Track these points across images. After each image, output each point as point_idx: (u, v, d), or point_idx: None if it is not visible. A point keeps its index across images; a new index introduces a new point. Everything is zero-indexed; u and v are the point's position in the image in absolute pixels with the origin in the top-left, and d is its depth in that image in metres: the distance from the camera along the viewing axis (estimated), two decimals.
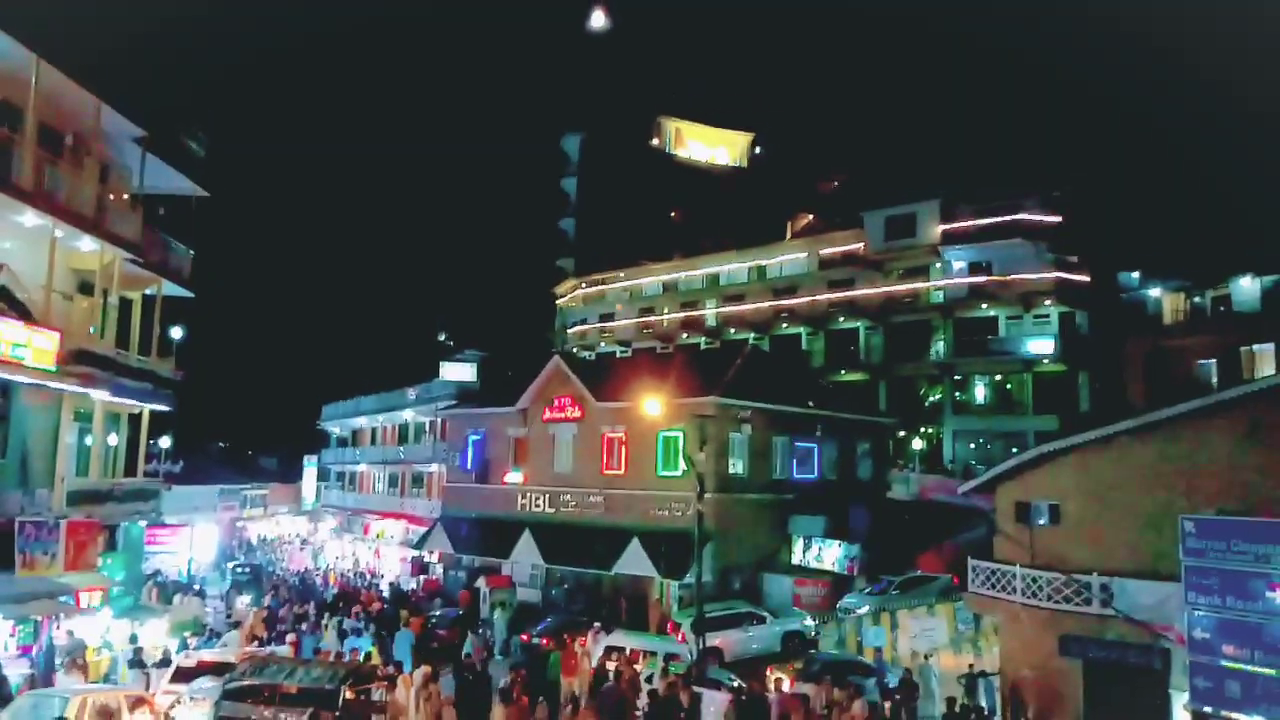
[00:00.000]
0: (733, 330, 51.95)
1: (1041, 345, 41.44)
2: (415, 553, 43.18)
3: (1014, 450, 31.08)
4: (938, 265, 45.82)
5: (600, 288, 61.63)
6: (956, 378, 44.76)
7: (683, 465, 29.57)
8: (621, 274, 59.85)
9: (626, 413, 31.18)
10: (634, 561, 29.38)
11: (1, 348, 19.86)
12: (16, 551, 20.69)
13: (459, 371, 49.07)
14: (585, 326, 61.40)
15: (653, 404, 25.15)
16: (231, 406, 70.91)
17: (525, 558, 33.99)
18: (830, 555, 29.85)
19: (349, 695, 14.57)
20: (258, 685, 14.13)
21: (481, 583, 34.09)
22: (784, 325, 50.38)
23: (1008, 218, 43.20)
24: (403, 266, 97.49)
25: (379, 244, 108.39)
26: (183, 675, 17.41)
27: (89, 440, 26.50)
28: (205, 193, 29.06)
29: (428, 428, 50.17)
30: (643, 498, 30.86)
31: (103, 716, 15.05)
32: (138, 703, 16.01)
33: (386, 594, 38.75)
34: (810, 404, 34.35)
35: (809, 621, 27.00)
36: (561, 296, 65.43)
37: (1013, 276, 42.47)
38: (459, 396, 43.84)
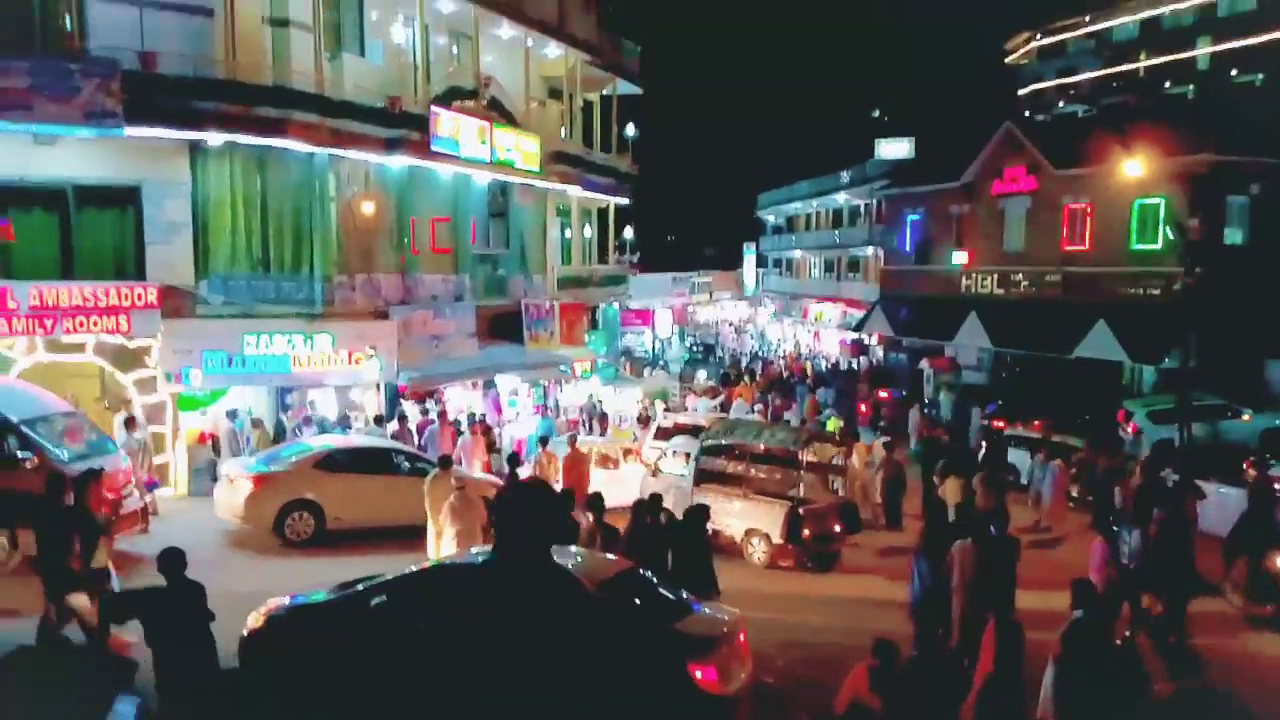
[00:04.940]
0: (1235, 72, 42.68)
1: None
2: (853, 335, 43.88)
3: None
4: None
5: (1059, 37, 53.86)
6: None
7: (1164, 236, 25.92)
8: (1086, 17, 51.58)
9: (1092, 180, 27.66)
10: (1099, 344, 26.82)
11: (497, 153, 22.84)
12: (524, 328, 24.62)
13: (895, 149, 46.84)
14: (1040, 85, 54.61)
15: (1130, 166, 21.88)
16: (677, 197, 75.41)
17: (971, 340, 32.77)
18: None
19: (810, 457, 15.44)
20: (729, 444, 15.51)
21: (924, 364, 33.82)
22: None
23: None
24: (835, 39, 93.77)
25: (808, 18, 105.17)
26: (662, 434, 19.73)
27: (568, 233, 30.06)
28: None
29: (862, 210, 49.36)
30: (1111, 274, 27.65)
31: (605, 461, 17.78)
32: (630, 453, 18.63)
33: (826, 373, 40.26)
34: None
35: None
36: (1010, 54, 58.53)
37: None
38: (894, 175, 42.13)
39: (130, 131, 15.75)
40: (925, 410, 28.85)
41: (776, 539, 14.24)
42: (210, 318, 17.49)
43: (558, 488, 15.62)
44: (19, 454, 12.12)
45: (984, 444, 21.94)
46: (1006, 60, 58.48)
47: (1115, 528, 11.38)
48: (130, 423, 15.99)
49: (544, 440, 17.73)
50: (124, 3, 16.37)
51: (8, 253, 16.60)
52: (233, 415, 17.62)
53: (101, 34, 16.31)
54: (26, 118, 15.24)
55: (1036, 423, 23.67)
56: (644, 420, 23.28)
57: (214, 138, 17.02)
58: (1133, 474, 15.69)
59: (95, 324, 16.36)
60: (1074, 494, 17.98)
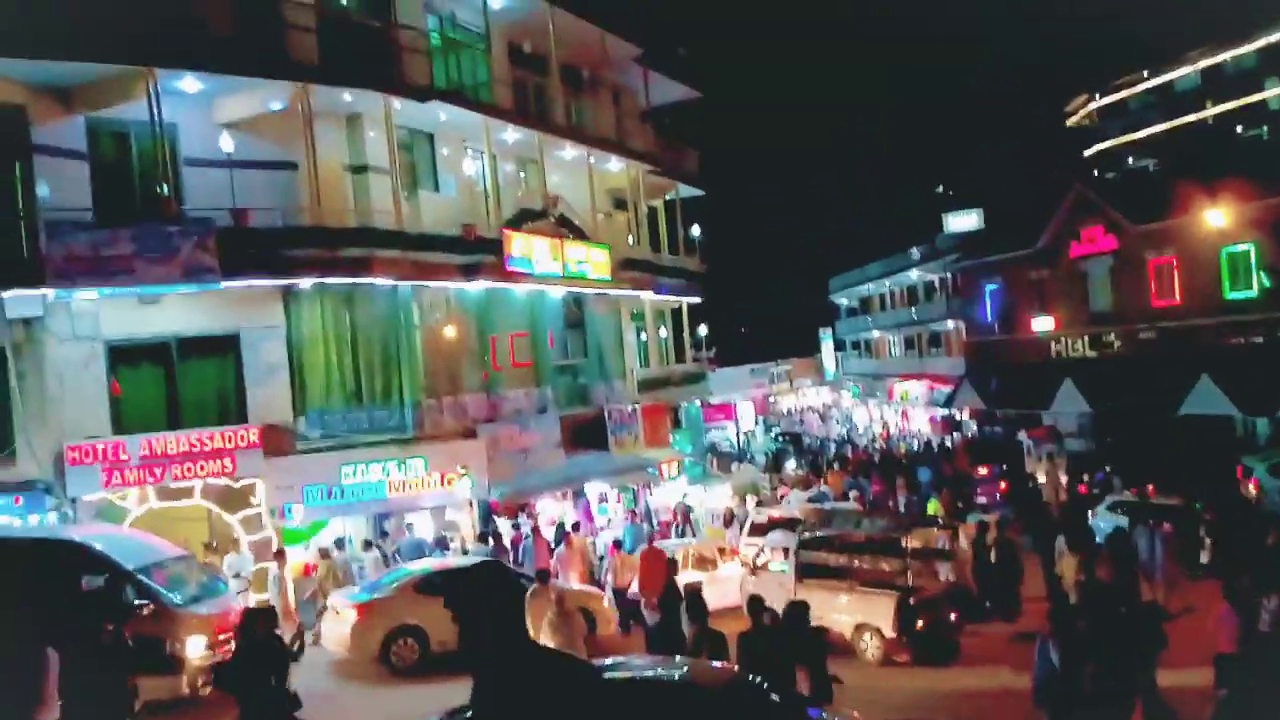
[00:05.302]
0: None
1: None
2: (943, 411, 42.83)
3: None
4: None
5: (1120, 95, 53.56)
6: None
7: (1259, 282, 24.99)
8: (1144, 73, 51.27)
9: (1174, 232, 26.98)
10: (1205, 399, 25.63)
11: (569, 267, 23.44)
12: (609, 434, 24.69)
13: (963, 222, 46.62)
14: (1104, 144, 54.08)
15: (1213, 214, 21.30)
16: (747, 289, 75.71)
17: (1068, 406, 31.70)
18: None
19: (914, 543, 14.91)
20: (828, 535, 15.11)
21: (1023, 435, 32.65)
22: None
23: None
24: (891, 119, 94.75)
25: (860, 100, 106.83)
26: (757, 530, 19.29)
27: (643, 336, 30.41)
28: (699, 93, 30.90)
29: (937, 284, 48.85)
30: (1207, 326, 26.67)
31: (702, 563, 17.47)
32: (726, 552, 18.28)
33: (920, 453, 39.15)
34: None
35: None
36: (1071, 117, 58.27)
37: None
38: (966, 247, 41.77)
39: (227, 284, 16.65)
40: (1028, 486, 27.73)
41: (889, 632, 13.67)
42: (309, 453, 18.02)
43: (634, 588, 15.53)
44: (135, 601, 12.51)
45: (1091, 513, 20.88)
46: (1068, 123, 58.22)
47: (1252, 594, 10.58)
48: (280, 556, 16.19)
49: (618, 544, 17.69)
50: (215, 166, 17.57)
51: (118, 407, 17.50)
52: (339, 546, 17.92)
53: (196, 196, 17.46)
54: (131, 281, 16.22)
55: (1151, 487, 22.54)
56: (728, 520, 22.44)
57: (305, 281, 17.88)
58: (1268, 534, 14.70)
59: (202, 468, 16.98)
60: (1204, 560, 16.91)
